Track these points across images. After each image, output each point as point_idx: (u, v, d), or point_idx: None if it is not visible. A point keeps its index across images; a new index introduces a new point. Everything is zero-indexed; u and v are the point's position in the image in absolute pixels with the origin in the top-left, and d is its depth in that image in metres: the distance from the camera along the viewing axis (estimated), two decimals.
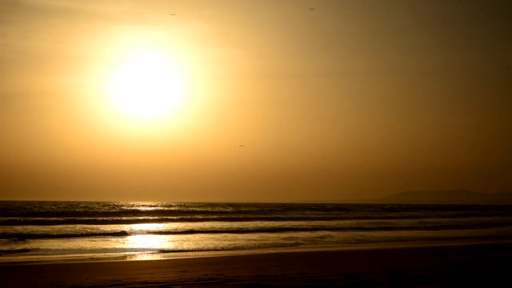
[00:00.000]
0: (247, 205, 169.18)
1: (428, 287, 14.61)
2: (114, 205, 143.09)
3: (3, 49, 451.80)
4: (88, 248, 30.75)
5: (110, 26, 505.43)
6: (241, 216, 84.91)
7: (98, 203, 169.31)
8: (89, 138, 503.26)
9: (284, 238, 38.93)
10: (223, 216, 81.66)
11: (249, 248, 31.70)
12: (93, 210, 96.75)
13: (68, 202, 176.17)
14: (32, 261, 23.78)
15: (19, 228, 45.84)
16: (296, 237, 40.76)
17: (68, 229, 48.10)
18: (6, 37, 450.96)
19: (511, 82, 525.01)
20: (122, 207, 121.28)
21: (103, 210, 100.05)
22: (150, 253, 28.78)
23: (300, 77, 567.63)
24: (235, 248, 31.68)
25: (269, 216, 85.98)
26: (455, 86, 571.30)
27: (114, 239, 38.41)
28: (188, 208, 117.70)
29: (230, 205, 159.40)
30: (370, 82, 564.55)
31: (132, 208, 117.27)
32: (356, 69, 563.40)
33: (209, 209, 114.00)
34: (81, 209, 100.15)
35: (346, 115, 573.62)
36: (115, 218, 73.08)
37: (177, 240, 38.13)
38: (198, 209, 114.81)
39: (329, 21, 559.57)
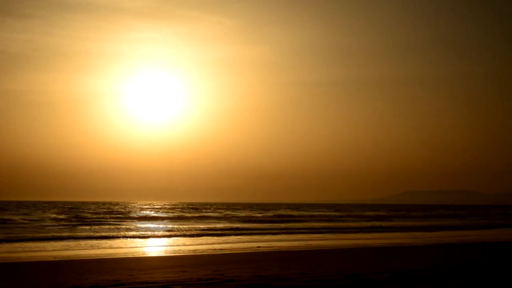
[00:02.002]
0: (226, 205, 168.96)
1: (428, 287, 14.62)
2: (122, 206, 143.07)
3: (25, 46, 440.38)
4: (89, 248, 30.77)
5: (135, 21, 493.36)
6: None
7: (106, 203, 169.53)
8: (104, 138, 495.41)
9: None
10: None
11: (249, 248, 31.70)
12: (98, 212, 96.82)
13: (73, 203, 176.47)
14: (32, 260, 23.76)
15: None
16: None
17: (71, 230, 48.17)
18: (29, 33, 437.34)
19: (510, 86, 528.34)
20: (129, 209, 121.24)
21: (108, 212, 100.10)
22: (150, 253, 28.78)
23: (305, 84, 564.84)
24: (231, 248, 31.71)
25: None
26: (455, 90, 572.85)
27: (115, 240, 38.46)
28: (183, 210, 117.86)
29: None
30: (376, 89, 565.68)
31: (136, 208, 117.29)
32: (359, 78, 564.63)
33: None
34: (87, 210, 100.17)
35: (345, 116, 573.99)
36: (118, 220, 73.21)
37: (178, 240, 38.18)
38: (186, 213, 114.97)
39: (348, 30, 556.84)
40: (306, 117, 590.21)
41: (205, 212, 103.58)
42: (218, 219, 77.88)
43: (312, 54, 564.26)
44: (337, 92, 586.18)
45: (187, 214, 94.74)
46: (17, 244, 33.10)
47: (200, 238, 40.71)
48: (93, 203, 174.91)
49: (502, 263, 20.57)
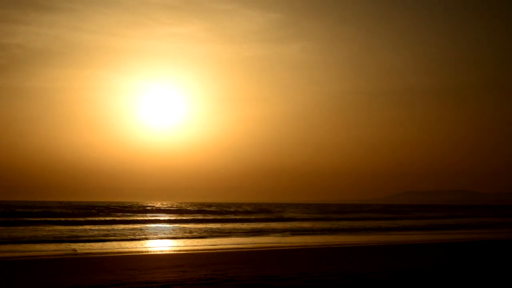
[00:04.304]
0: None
1: (428, 287, 14.63)
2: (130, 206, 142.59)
3: (50, 41, 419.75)
4: (90, 247, 30.78)
5: (164, 16, 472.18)
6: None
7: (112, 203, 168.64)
8: (122, 137, 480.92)
9: None
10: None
11: (250, 247, 31.73)
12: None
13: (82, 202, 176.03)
14: (31, 259, 23.77)
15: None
16: None
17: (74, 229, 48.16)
18: (55, 28, 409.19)
19: (509, 87, 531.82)
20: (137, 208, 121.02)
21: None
22: (151, 253, 28.80)
23: (317, 88, 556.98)
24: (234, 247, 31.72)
25: None
26: (456, 93, 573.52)
27: (118, 238, 38.48)
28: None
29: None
30: (381, 96, 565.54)
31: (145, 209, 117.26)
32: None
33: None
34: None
35: (345, 114, 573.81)
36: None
37: (180, 240, 38.23)
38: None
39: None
40: (310, 119, 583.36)
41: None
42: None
43: (338, 59, 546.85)
44: (344, 97, 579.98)
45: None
46: None
47: None
48: (104, 203, 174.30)
49: (504, 262, 20.60)
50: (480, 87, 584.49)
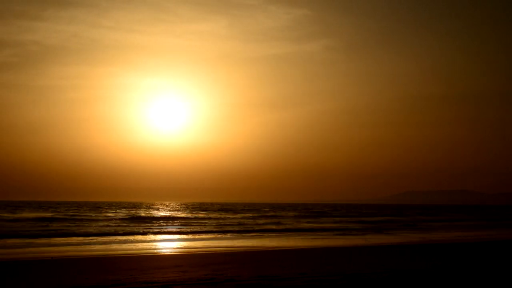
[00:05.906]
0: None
1: (428, 287, 14.63)
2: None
3: (69, 39, 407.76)
4: (90, 247, 30.80)
5: (186, 11, 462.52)
6: None
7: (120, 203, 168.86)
8: (135, 139, 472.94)
9: None
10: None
11: (249, 247, 31.74)
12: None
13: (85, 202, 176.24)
14: (32, 260, 23.78)
15: None
16: None
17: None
18: (74, 24, 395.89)
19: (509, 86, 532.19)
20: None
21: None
22: (151, 253, 28.81)
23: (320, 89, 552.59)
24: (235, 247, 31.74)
25: None
26: (458, 96, 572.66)
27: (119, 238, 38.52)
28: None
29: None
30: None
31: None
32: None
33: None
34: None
35: (344, 114, 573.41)
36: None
37: (179, 240, 38.25)
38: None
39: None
40: (318, 122, 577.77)
41: None
42: None
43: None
44: (352, 101, 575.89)
45: None
46: None
47: None
48: (111, 203, 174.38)
49: (504, 261, 20.59)
50: (483, 93, 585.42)
